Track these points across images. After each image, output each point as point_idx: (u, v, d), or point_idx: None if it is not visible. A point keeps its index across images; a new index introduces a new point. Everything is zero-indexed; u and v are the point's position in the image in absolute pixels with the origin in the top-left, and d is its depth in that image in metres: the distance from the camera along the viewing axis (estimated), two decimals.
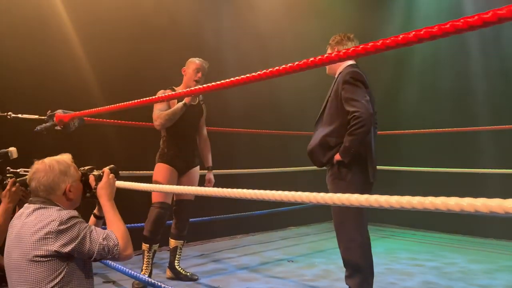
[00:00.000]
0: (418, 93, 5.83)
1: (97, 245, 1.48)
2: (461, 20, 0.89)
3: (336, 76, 2.56)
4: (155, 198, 3.15)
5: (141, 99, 2.35)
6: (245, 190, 1.50)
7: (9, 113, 3.20)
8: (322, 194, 1.25)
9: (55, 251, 1.42)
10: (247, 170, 4.64)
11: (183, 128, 3.21)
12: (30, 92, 3.71)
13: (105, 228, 1.64)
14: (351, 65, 2.53)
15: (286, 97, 5.61)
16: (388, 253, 4.22)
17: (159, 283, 2.32)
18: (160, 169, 3.20)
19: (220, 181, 4.07)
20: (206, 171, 3.43)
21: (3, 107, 3.20)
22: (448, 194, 0.99)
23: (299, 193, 1.31)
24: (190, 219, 4.20)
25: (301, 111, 5.53)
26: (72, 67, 4.01)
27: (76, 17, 4.03)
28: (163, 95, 3.16)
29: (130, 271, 2.54)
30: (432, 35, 0.95)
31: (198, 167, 3.39)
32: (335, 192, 2.29)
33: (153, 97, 2.83)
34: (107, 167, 1.77)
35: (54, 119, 3.10)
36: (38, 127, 3.10)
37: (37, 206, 1.52)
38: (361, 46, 1.12)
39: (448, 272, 3.51)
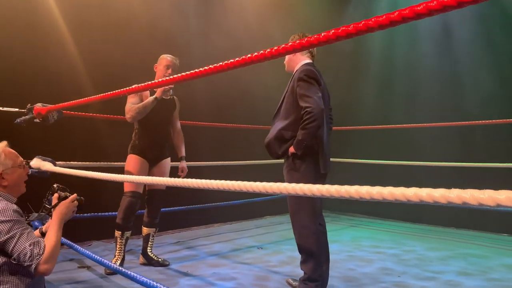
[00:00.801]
0: (373, 89, 6.17)
1: (21, 248, 1.48)
2: (407, 10, 0.95)
3: (293, 73, 2.75)
4: (126, 188, 3.33)
5: (115, 91, 2.51)
6: (207, 181, 1.61)
7: None
8: (277, 184, 1.35)
9: None
10: (213, 163, 4.82)
11: (154, 121, 3.37)
12: (12, 85, 3.83)
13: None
14: (307, 63, 2.73)
15: (253, 92, 5.77)
16: (353, 240, 4.48)
17: (125, 270, 2.48)
18: (131, 160, 3.38)
19: (187, 173, 4.29)
20: (180, 161, 3.61)
21: None
22: (397, 184, 1.11)
23: (257, 183, 1.42)
24: (169, 208, 4.42)
25: (266, 105, 5.73)
26: (57, 60, 4.14)
27: (63, 9, 4.14)
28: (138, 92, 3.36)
29: (99, 258, 2.70)
30: (380, 24, 1.00)
31: (169, 158, 3.57)
32: (290, 182, 2.52)
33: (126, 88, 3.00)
34: (76, 195, 1.85)
35: (33, 111, 3.26)
36: (18, 120, 3.25)
37: None
38: (314, 37, 1.18)
39: (406, 259, 3.77)
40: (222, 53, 5.35)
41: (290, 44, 1.29)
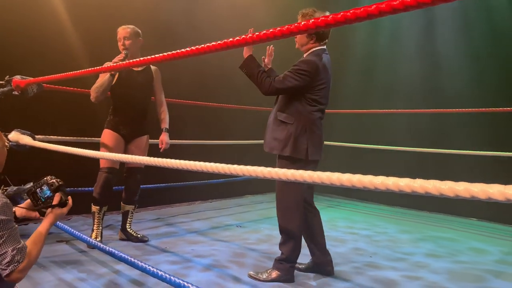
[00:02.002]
0: (354, 78, 6.29)
1: (3, 251, 1.43)
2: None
3: (304, 56, 2.72)
4: (102, 164, 3.34)
5: (93, 68, 2.49)
6: (185, 162, 1.60)
7: None
8: (261, 168, 1.35)
9: None
10: (197, 141, 4.85)
11: (128, 96, 3.34)
12: None
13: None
14: (320, 50, 2.67)
15: (238, 72, 5.75)
16: (329, 221, 4.61)
17: (104, 246, 2.52)
18: (106, 135, 3.37)
19: (169, 151, 4.30)
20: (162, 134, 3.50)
21: None
22: (372, 167, 1.15)
23: (242, 166, 1.41)
24: (150, 185, 4.44)
25: (251, 86, 5.75)
26: (47, 33, 4.06)
27: None
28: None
29: (78, 233, 2.73)
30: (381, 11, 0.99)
31: (147, 136, 3.54)
32: (281, 165, 2.60)
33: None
34: (70, 201, 1.74)
35: (12, 84, 3.21)
36: None
37: None
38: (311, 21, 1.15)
39: (378, 240, 3.92)
40: (206, 33, 5.31)
41: (279, 29, 1.26)
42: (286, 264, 2.69)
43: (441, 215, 5.21)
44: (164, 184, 4.73)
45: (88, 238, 2.83)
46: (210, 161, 1.58)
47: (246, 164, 1.44)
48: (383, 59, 6.06)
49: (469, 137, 4.99)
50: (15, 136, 3.20)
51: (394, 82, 5.88)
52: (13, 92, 3.22)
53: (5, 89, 3.24)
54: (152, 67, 3.53)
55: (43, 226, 1.63)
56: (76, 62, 4.10)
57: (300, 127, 2.62)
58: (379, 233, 4.19)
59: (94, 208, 3.37)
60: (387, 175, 1.09)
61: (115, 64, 3.17)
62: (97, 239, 3.27)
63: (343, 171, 1.18)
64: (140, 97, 3.42)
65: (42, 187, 1.71)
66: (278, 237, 3.79)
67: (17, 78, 3.20)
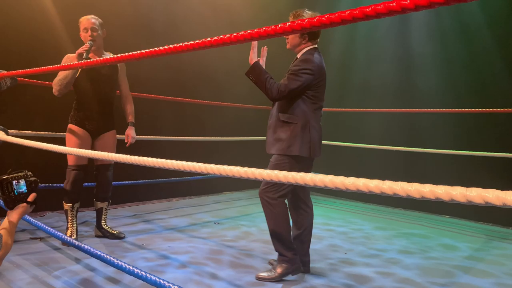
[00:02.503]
0: (331, 76, 6.33)
1: None
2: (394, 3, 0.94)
3: (297, 56, 2.76)
4: (70, 161, 3.29)
5: (71, 63, 2.44)
6: (151, 159, 1.59)
7: None
8: (245, 169, 1.33)
9: None
10: (173, 138, 4.83)
11: (92, 89, 3.26)
12: None
13: None
14: (312, 49, 2.72)
15: (217, 68, 5.77)
16: None
17: (79, 243, 2.50)
18: (70, 131, 3.30)
19: (146, 148, 4.29)
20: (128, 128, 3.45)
21: None
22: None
23: (232, 167, 1.37)
24: (125, 182, 4.40)
25: (230, 82, 5.80)
26: (12, 25, 3.95)
27: None
28: (66, 59, 3.22)
29: (53, 230, 2.69)
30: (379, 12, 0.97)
31: (114, 130, 3.47)
32: (274, 162, 2.64)
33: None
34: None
35: None
36: None
37: None
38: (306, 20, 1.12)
39: (353, 237, 4.00)
40: (184, 29, 5.29)
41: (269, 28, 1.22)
42: (288, 253, 2.69)
43: (415, 212, 5.35)
44: (141, 181, 4.70)
45: (63, 235, 2.80)
46: (189, 158, 1.59)
47: (226, 161, 1.45)
48: (359, 57, 6.14)
49: (442, 136, 5.15)
50: None
51: (370, 81, 5.98)
52: None
53: None
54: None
55: (14, 217, 1.62)
56: (47, 53, 4.02)
57: (303, 126, 2.67)
58: (355, 230, 4.28)
59: (66, 205, 3.33)
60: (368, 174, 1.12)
61: (79, 54, 3.05)
62: (72, 237, 3.24)
63: (323, 171, 1.21)
64: (105, 91, 3.34)
65: (19, 181, 1.68)
66: (255, 234, 3.87)
67: None
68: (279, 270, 2.70)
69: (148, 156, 1.68)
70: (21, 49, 3.98)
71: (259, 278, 2.70)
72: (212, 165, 1.44)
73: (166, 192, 5.40)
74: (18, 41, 3.99)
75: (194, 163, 1.49)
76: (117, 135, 3.55)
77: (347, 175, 1.13)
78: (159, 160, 1.60)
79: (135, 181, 4.58)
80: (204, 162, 1.48)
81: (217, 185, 6.02)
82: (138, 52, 1.73)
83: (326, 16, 1.10)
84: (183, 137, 4.94)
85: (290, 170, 2.68)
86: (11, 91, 3.44)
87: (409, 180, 1.03)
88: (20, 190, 1.68)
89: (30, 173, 1.73)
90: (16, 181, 1.67)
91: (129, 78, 3.61)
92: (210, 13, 5.63)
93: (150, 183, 4.85)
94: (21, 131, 3.56)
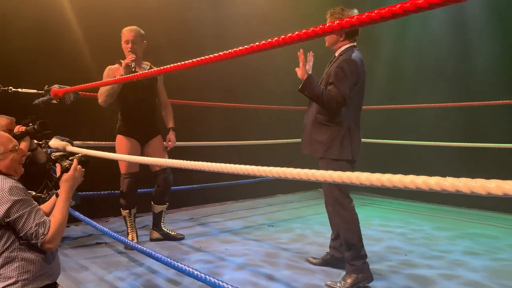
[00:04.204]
0: (382, 69, 6.10)
1: (28, 228, 1.55)
2: None
3: (336, 54, 2.71)
4: (122, 169, 3.42)
5: (126, 76, 2.55)
6: (203, 163, 1.62)
7: (10, 87, 3.47)
8: (297, 170, 1.31)
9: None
10: (223, 143, 4.90)
11: (135, 99, 3.39)
12: (30, 68, 3.93)
13: None
14: (351, 47, 2.66)
15: (263, 71, 5.81)
16: (364, 220, 4.50)
17: (141, 246, 2.61)
18: (119, 141, 3.44)
19: (198, 152, 4.39)
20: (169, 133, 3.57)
21: (4, 82, 3.46)
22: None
23: (284, 168, 1.35)
24: (182, 186, 4.53)
25: (277, 86, 5.81)
26: (71, 43, 4.23)
27: None
28: (109, 71, 3.38)
29: (117, 234, 2.83)
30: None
31: (159, 136, 3.58)
32: (325, 164, 2.60)
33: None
34: (77, 156, 1.84)
35: (51, 93, 3.37)
36: (36, 101, 3.37)
37: None
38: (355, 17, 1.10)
39: (413, 238, 3.84)
40: (234, 37, 5.37)
41: (304, 31, 1.24)
42: (358, 262, 2.62)
43: (479, 212, 5.04)
44: (196, 185, 4.82)
45: (126, 240, 2.94)
46: (238, 162, 1.60)
47: (273, 163, 1.45)
48: (411, 51, 5.89)
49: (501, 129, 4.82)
50: (55, 143, 3.35)
51: (422, 75, 5.71)
52: (52, 101, 3.38)
53: (45, 98, 3.40)
54: (155, 69, 3.54)
55: (59, 199, 1.73)
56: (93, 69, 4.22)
57: (343, 128, 2.60)
58: (415, 230, 4.11)
59: (124, 212, 3.49)
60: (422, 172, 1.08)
61: (128, 63, 3.23)
62: (134, 241, 3.38)
63: (377, 170, 1.17)
64: (147, 99, 3.48)
65: (52, 166, 1.81)
66: (310, 236, 3.83)
67: (55, 87, 3.34)
68: (349, 280, 2.59)
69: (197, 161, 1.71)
70: (73, 65, 4.22)
71: (328, 286, 2.64)
72: (265, 168, 1.42)
73: (219, 195, 5.49)
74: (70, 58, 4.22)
75: (254, 167, 1.47)
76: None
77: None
78: (216, 164, 1.61)
79: (190, 186, 4.71)
80: (252, 165, 1.48)
81: (269, 188, 6.04)
82: (190, 61, 1.74)
83: (375, 12, 1.06)
84: (232, 142, 5.03)
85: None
86: (74, 104, 3.66)
87: (470, 177, 0.97)
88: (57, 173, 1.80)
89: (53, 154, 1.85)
90: (50, 170, 1.82)
91: (175, 85, 3.72)
92: (256, 17, 5.68)
93: (205, 187, 4.96)
94: (84, 142, 3.78)
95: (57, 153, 1.86)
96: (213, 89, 5.28)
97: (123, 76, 3.20)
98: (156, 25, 4.72)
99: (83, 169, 1.84)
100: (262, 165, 1.46)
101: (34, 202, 1.63)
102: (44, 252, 1.63)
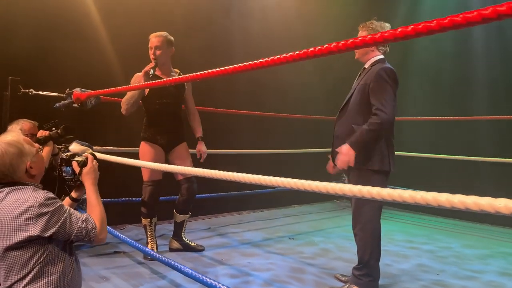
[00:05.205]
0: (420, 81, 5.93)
1: (76, 228, 1.50)
2: (460, 16, 0.92)
3: (366, 67, 2.63)
4: (145, 177, 3.31)
5: (149, 82, 2.46)
6: (248, 175, 1.54)
7: (31, 90, 3.39)
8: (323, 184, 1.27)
9: (36, 235, 1.42)
10: (250, 151, 4.81)
11: (161, 106, 3.28)
12: (51, 70, 3.85)
13: (79, 210, 1.73)
14: (383, 59, 2.60)
15: (291, 80, 5.73)
16: (386, 234, 4.34)
17: (164, 257, 2.47)
18: (143, 148, 3.33)
19: (224, 160, 4.29)
20: (197, 143, 3.46)
21: (26, 84, 3.38)
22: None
23: (316, 182, 1.31)
24: (199, 195, 4.40)
25: (304, 94, 5.72)
26: (94, 47, 4.16)
27: None
28: (135, 78, 3.27)
29: (138, 244, 2.72)
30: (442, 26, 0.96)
31: (185, 143, 3.46)
32: (358, 178, 2.48)
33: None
34: (89, 152, 1.83)
35: (72, 97, 3.28)
36: (57, 104, 3.28)
37: (9, 188, 1.50)
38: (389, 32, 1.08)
39: (442, 256, 3.68)
40: (255, 36, 5.31)
41: (342, 42, 1.20)
42: (365, 279, 2.55)
43: (505, 229, 4.86)
44: (213, 194, 4.70)
45: (146, 249, 2.83)
46: (262, 171, 1.57)
47: (300, 172, 1.37)
48: (451, 61, 5.67)
49: None
50: (75, 147, 3.26)
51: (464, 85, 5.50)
52: (73, 105, 3.28)
53: (66, 101, 3.31)
54: (182, 75, 3.46)
55: (88, 193, 1.70)
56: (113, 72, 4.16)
57: (382, 139, 2.51)
58: (442, 248, 3.94)
59: (145, 221, 3.37)
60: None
61: (146, 72, 3.13)
62: (154, 250, 3.25)
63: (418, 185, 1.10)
64: (173, 106, 3.37)
65: (63, 169, 1.79)
66: (334, 251, 3.69)
67: (77, 91, 3.25)
68: None
69: (223, 170, 1.68)
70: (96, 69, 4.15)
71: None
72: (290, 180, 1.38)
73: (235, 205, 5.36)
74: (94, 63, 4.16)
75: (277, 178, 1.44)
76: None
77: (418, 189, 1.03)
78: (239, 174, 1.56)
79: (206, 195, 4.58)
80: (277, 174, 1.46)
81: (285, 198, 5.90)
82: (219, 69, 1.65)
83: (388, 32, 1.08)
84: (260, 150, 4.94)
85: (380, 186, 2.54)
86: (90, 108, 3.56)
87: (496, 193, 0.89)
88: (70, 173, 1.78)
89: (60, 153, 1.84)
90: (59, 171, 1.80)
91: (204, 92, 3.63)
92: (284, 29, 5.61)
93: (222, 196, 4.84)
94: (104, 147, 3.68)
95: (67, 153, 1.83)
96: (240, 97, 5.21)
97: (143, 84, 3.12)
98: (182, 31, 4.64)
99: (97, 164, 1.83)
100: (287, 173, 1.38)
101: (64, 205, 1.56)
102: (71, 264, 1.55)
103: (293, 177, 1.39)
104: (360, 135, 2.43)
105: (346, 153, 2.40)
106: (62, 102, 3.30)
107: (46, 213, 1.43)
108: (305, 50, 1.29)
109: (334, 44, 1.21)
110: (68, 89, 3.28)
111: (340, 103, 2.77)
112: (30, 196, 1.45)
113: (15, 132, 1.67)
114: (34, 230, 1.41)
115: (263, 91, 5.52)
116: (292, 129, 5.84)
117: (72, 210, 1.55)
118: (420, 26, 1.00)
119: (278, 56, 1.37)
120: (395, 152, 2.63)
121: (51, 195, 1.52)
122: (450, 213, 5.35)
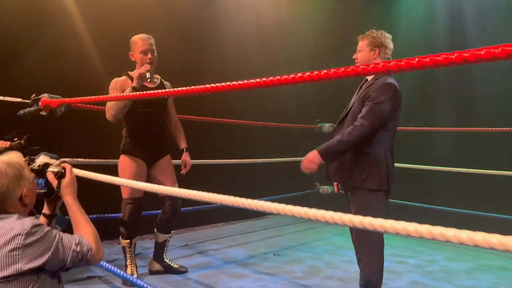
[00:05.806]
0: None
1: (70, 253, 1.36)
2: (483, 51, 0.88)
3: (367, 78, 2.50)
4: (124, 194, 3.00)
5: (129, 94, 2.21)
6: (219, 196, 1.47)
7: None
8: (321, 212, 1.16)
9: (24, 268, 1.27)
10: (244, 160, 4.65)
11: (143, 115, 2.99)
12: (15, 73, 3.46)
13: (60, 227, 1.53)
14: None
15: (286, 89, 5.60)
16: None
17: (148, 284, 2.23)
18: (123, 161, 3.02)
19: (218, 170, 4.05)
20: (182, 155, 3.22)
21: None
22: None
23: (313, 210, 1.19)
24: None
25: (299, 104, 5.62)
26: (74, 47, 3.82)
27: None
28: (115, 83, 2.97)
29: (116, 269, 2.44)
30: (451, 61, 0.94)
31: (168, 156, 3.20)
32: (356, 198, 2.32)
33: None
34: (61, 160, 1.57)
35: (40, 103, 2.91)
36: (21, 111, 2.89)
37: None
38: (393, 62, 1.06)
39: (431, 271, 3.62)
40: (248, 46, 5.13)
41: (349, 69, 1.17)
42: None
43: None
44: (189, 208, 4.41)
45: (126, 274, 2.55)
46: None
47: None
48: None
49: None
50: (43, 160, 2.90)
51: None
52: (41, 112, 2.92)
53: (32, 109, 2.93)
54: (165, 83, 3.17)
55: (72, 210, 1.50)
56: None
57: (379, 156, 2.37)
58: (428, 262, 3.89)
59: (124, 242, 3.04)
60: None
61: (142, 74, 2.84)
62: (134, 275, 2.95)
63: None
64: (156, 115, 3.09)
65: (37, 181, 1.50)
66: (324, 269, 3.53)
67: (45, 97, 2.89)
68: None
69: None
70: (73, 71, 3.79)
71: None
72: (277, 205, 1.30)
73: (210, 217, 5.10)
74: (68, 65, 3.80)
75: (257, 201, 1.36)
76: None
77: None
78: (235, 198, 1.43)
79: (183, 208, 4.27)
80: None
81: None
82: (213, 85, 1.55)
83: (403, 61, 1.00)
84: (252, 160, 4.85)
85: (378, 207, 2.42)
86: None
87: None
88: (43, 185, 1.50)
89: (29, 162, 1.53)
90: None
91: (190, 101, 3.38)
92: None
93: (198, 210, 4.56)
94: (74, 159, 3.31)
95: (38, 163, 1.53)
96: (233, 106, 5.02)
97: (135, 88, 2.81)
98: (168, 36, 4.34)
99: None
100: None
101: (52, 229, 1.37)
102: None
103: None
104: (330, 144, 2.33)
105: (310, 160, 2.28)
106: (28, 109, 2.92)
107: (34, 242, 1.28)
108: (309, 73, 1.25)
109: (342, 69, 1.18)
110: (34, 95, 2.91)
111: (336, 113, 2.66)
112: (15, 225, 1.29)
113: (15, 153, 1.41)
114: (20, 262, 1.26)
115: (261, 98, 5.36)
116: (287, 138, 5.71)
117: (61, 233, 1.38)
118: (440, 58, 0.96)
119: (278, 77, 1.33)
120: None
121: (38, 221, 1.35)
122: None
